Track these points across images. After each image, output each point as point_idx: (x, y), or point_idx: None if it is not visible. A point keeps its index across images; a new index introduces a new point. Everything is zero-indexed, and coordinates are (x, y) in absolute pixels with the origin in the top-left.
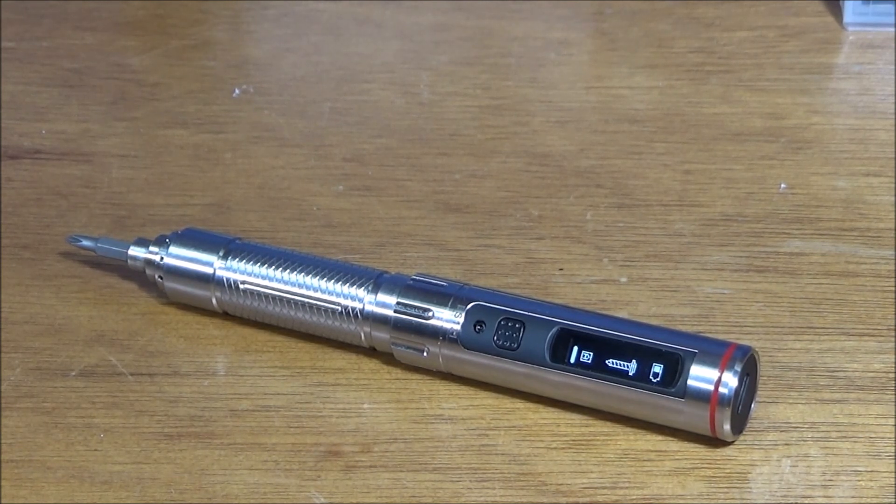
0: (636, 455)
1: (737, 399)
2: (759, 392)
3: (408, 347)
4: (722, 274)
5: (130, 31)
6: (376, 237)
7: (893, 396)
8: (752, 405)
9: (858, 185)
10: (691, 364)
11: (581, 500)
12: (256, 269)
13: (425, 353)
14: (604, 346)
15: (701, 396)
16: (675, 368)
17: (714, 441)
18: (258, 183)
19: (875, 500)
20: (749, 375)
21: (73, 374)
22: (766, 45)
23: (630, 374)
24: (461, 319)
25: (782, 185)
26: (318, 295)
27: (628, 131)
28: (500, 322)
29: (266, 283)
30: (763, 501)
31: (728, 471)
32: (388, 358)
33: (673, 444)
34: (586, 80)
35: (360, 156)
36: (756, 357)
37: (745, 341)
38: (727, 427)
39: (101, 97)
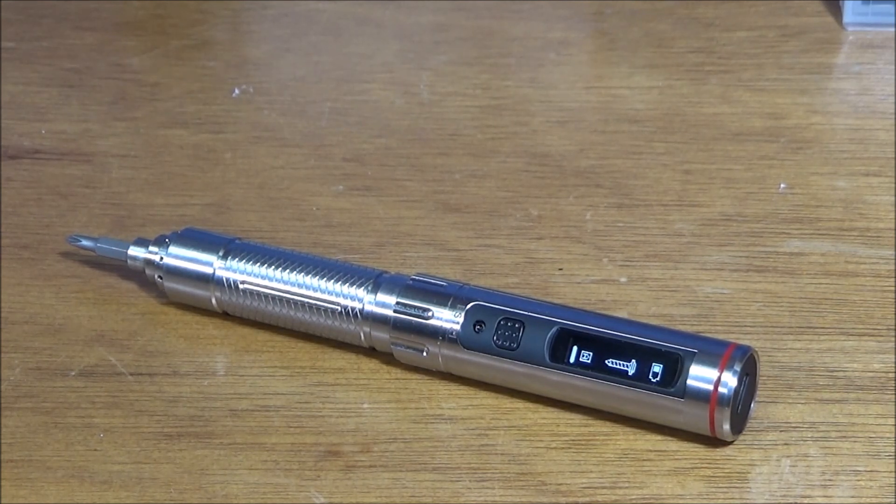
0: (636, 455)
1: (736, 399)
2: (758, 392)
3: (407, 347)
4: (722, 274)
5: (130, 31)
6: (376, 237)
7: (893, 396)
8: (752, 405)
9: (858, 185)
10: (691, 364)
11: (581, 499)
12: (256, 269)
13: (425, 353)
14: (603, 346)
15: (700, 396)
16: (675, 368)
17: (713, 441)
18: (258, 183)
19: (874, 500)
20: (749, 375)
21: (73, 374)
22: (766, 45)
23: (630, 373)
24: (461, 319)
25: (782, 185)
26: (318, 295)
27: (628, 131)
28: (499, 322)
29: (266, 283)
30: (762, 501)
31: (727, 470)
32: (387, 358)
33: (672, 444)
34: (586, 80)
35: (360, 156)
36: (755, 357)
37: (744, 341)
38: (727, 427)
39: (101, 97)
